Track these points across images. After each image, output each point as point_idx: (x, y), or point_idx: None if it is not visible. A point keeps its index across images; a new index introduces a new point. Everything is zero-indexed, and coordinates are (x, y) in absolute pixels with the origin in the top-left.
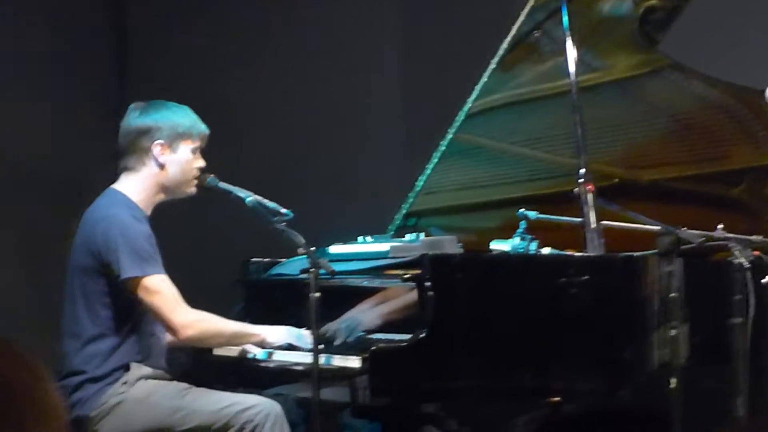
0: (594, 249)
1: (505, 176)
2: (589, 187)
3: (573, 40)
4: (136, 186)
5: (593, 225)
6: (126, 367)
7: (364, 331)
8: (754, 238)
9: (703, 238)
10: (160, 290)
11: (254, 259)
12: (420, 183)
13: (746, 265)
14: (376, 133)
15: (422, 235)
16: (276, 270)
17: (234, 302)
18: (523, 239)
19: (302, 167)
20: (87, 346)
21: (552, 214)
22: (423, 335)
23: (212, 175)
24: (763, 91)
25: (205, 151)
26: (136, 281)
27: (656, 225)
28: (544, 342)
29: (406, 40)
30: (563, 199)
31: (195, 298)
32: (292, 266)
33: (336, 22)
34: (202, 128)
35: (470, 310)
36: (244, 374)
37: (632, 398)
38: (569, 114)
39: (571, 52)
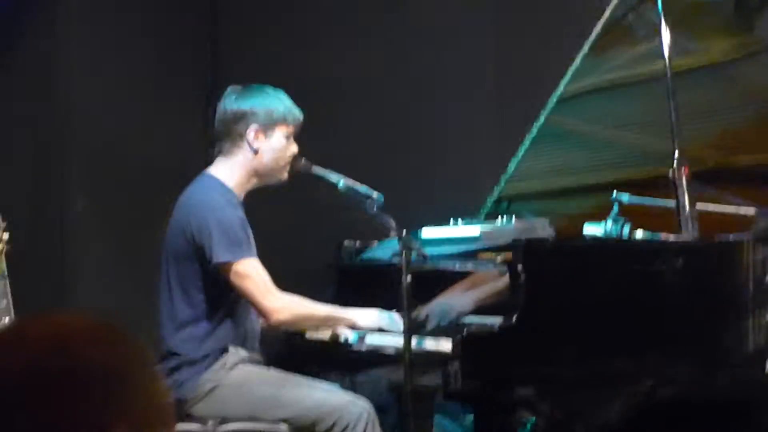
0: (688, 233)
1: (597, 161)
2: (684, 170)
3: (667, 24)
4: (231, 171)
5: (687, 209)
6: (223, 350)
7: (456, 316)
8: None
9: None
10: (252, 275)
11: (346, 243)
12: (511, 167)
13: None
14: (469, 116)
15: (513, 219)
16: (368, 254)
17: (326, 286)
18: (616, 222)
19: (393, 150)
20: (182, 330)
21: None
22: (515, 320)
23: (305, 160)
24: None
25: (297, 135)
26: (227, 266)
27: (751, 209)
28: (637, 327)
29: (499, 24)
30: (655, 185)
31: (288, 281)
32: (384, 250)
33: (428, 4)
34: (297, 114)
35: (562, 296)
36: (336, 358)
37: (727, 384)
38: (663, 98)
39: (666, 36)
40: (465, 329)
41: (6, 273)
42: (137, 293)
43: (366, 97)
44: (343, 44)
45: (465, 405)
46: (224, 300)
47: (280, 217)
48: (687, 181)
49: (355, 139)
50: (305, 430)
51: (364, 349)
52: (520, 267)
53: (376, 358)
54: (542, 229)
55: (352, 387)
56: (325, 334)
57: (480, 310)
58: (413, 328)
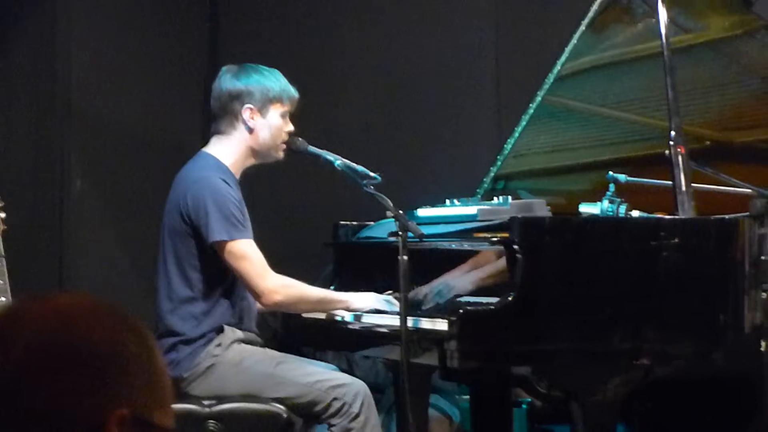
0: (684, 212)
1: (595, 139)
2: (680, 149)
3: (665, 1)
4: (227, 150)
5: (684, 188)
6: (220, 329)
7: (454, 296)
8: None
9: None
10: (247, 255)
11: (343, 223)
12: (509, 146)
13: None
14: (466, 96)
15: (510, 198)
16: (365, 233)
17: (323, 265)
18: (611, 202)
19: (390, 130)
20: (179, 308)
21: (642, 177)
22: (511, 298)
23: (301, 140)
24: None
25: (294, 116)
26: (222, 245)
27: (748, 188)
28: (633, 305)
29: (498, 2)
30: (653, 162)
31: (285, 260)
32: (381, 229)
33: None
34: (292, 92)
35: (559, 273)
36: (333, 337)
37: (723, 361)
38: (661, 76)
39: (663, 13)
40: (462, 308)
41: (3, 253)
42: (136, 272)
43: (363, 78)
44: (342, 25)
45: (462, 384)
46: (221, 279)
47: (277, 196)
48: (683, 159)
49: (352, 119)
50: (302, 410)
51: (361, 328)
52: (516, 245)
53: (373, 337)
54: (539, 208)
55: (349, 367)
56: (322, 314)
57: (478, 291)
58: (410, 307)
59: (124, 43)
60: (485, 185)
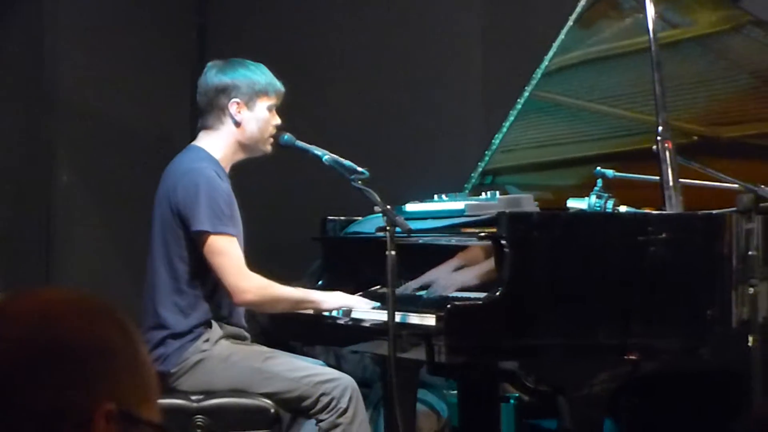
0: (672, 207)
1: (583, 134)
2: (668, 144)
3: None
4: (216, 144)
5: (671, 183)
6: (208, 324)
7: (442, 291)
8: None
9: None
10: (227, 251)
11: (331, 217)
12: (496, 141)
13: None
14: (454, 91)
15: (498, 194)
16: (352, 228)
17: (311, 260)
18: (599, 197)
19: (378, 125)
20: (167, 300)
21: (631, 172)
22: (499, 293)
23: (289, 134)
24: None
25: (283, 110)
26: (205, 236)
27: (735, 183)
28: (621, 300)
29: None
30: (641, 157)
31: (273, 255)
32: (369, 224)
33: None
34: (278, 86)
35: (547, 269)
36: (321, 332)
37: (710, 356)
38: (649, 71)
39: (650, 8)
40: (450, 303)
41: None
42: (124, 267)
43: (351, 73)
44: (330, 20)
45: (449, 379)
46: (209, 272)
47: (265, 191)
48: (671, 154)
49: (340, 114)
50: (290, 405)
51: (348, 323)
52: (504, 240)
53: (361, 332)
54: (527, 203)
55: (337, 362)
56: (309, 309)
57: (467, 287)
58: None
59: (112, 38)
60: (473, 180)
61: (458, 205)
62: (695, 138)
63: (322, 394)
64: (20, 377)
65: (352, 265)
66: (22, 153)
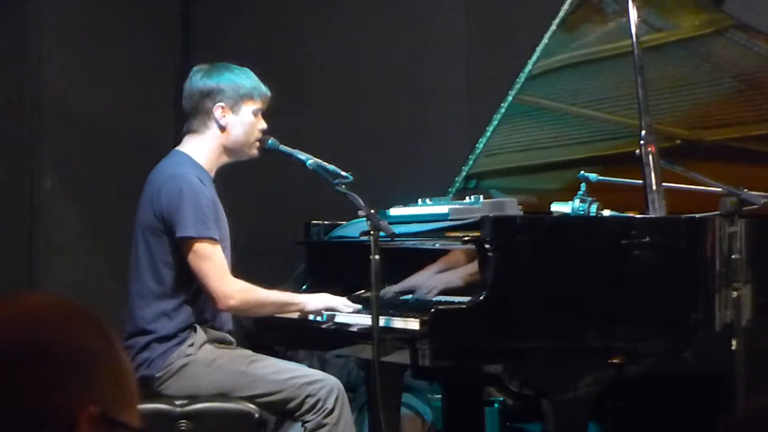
0: (655, 211)
1: (567, 137)
2: (651, 147)
3: (636, 0)
4: (201, 148)
5: (654, 186)
6: (192, 329)
7: (426, 295)
8: None
9: (766, 200)
10: (209, 256)
11: (315, 222)
12: (480, 145)
13: None
14: (438, 95)
15: (482, 197)
16: (336, 232)
17: (295, 264)
18: (583, 201)
19: (362, 130)
20: (151, 305)
21: (615, 175)
22: (483, 297)
23: (272, 138)
24: None
25: (266, 115)
26: (189, 242)
27: (718, 186)
28: (605, 304)
29: (469, 2)
30: (625, 161)
31: (257, 259)
32: (353, 228)
33: None
34: (264, 89)
35: (530, 272)
36: (306, 336)
37: (694, 359)
38: (632, 75)
39: (633, 12)
40: (434, 307)
41: None
42: (107, 273)
43: (335, 77)
44: (314, 24)
45: (434, 383)
46: (194, 277)
47: (249, 195)
48: (654, 158)
49: (324, 118)
50: (276, 407)
51: (333, 327)
52: (488, 243)
53: (345, 336)
54: (511, 207)
55: (321, 366)
56: (294, 313)
57: (451, 291)
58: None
59: (96, 42)
60: (457, 184)
61: (442, 209)
62: (678, 141)
63: (308, 396)
64: (2, 381)
65: (336, 269)
66: (6, 158)
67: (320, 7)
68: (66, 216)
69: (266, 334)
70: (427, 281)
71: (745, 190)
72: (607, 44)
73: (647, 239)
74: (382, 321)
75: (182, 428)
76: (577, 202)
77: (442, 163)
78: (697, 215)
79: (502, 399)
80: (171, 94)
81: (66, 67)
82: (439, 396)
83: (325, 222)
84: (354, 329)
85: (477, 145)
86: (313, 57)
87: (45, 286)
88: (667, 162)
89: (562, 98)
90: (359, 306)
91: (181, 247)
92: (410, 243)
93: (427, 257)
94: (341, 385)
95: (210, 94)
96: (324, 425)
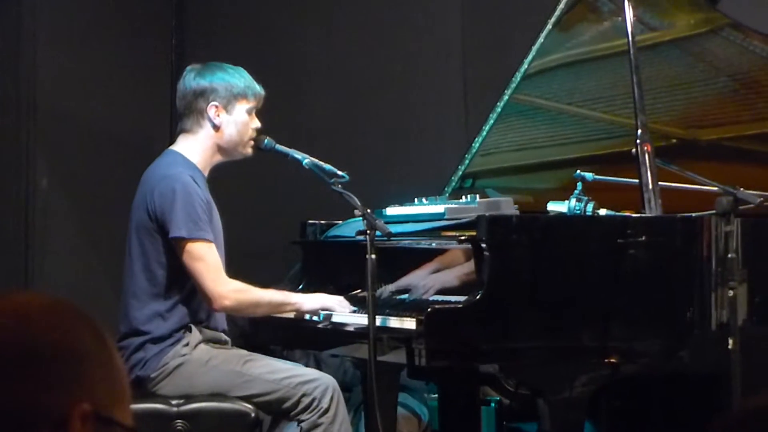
0: (651, 210)
1: (562, 137)
2: (647, 147)
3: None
4: (194, 147)
5: (650, 186)
6: (187, 329)
7: (422, 294)
8: None
9: (762, 199)
10: (203, 257)
11: (311, 221)
12: (476, 144)
13: None
14: (434, 95)
15: (478, 197)
16: (332, 232)
17: (291, 263)
18: (579, 200)
19: (358, 129)
20: (145, 306)
21: (611, 175)
22: (479, 296)
23: (268, 138)
24: None
25: (262, 115)
26: (183, 242)
27: (714, 185)
28: (601, 303)
29: (465, 1)
30: (621, 160)
31: (252, 259)
32: (349, 228)
33: None
34: (257, 88)
35: (526, 272)
36: (301, 336)
37: (690, 359)
38: (627, 74)
39: (628, 11)
40: (430, 306)
41: None
42: (102, 272)
43: (331, 76)
44: (309, 24)
45: (430, 382)
46: (187, 276)
47: (245, 194)
48: (650, 157)
49: (320, 118)
50: (271, 407)
51: (329, 327)
52: (484, 243)
53: (341, 336)
54: (507, 207)
55: (317, 366)
56: (290, 312)
57: (447, 290)
58: (377, 306)
59: (91, 42)
60: (453, 184)
61: (438, 208)
62: (674, 141)
63: (303, 395)
64: None
65: (332, 268)
66: (1, 157)
67: (315, 7)
68: (61, 215)
69: (262, 333)
70: (423, 281)
71: (741, 189)
72: (602, 43)
73: (643, 238)
74: (378, 320)
75: (178, 428)
76: (573, 202)
77: (438, 163)
78: (693, 214)
79: (498, 398)
80: (166, 94)
81: (61, 67)
82: (436, 395)
83: (321, 221)
84: (350, 329)
85: (473, 145)
86: (308, 56)
87: (40, 286)
88: (662, 161)
89: (557, 97)
90: (356, 308)
91: (174, 248)
92: (406, 242)
93: (423, 257)
94: (336, 384)
95: (203, 94)
96: (319, 424)
